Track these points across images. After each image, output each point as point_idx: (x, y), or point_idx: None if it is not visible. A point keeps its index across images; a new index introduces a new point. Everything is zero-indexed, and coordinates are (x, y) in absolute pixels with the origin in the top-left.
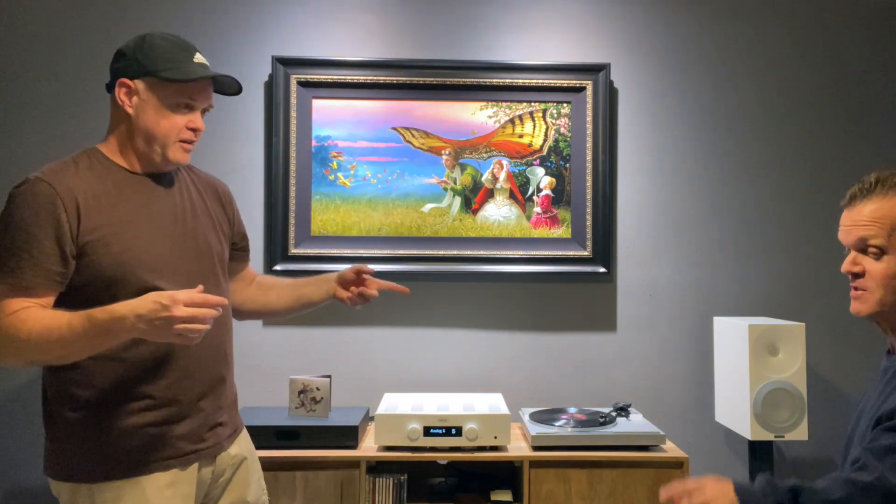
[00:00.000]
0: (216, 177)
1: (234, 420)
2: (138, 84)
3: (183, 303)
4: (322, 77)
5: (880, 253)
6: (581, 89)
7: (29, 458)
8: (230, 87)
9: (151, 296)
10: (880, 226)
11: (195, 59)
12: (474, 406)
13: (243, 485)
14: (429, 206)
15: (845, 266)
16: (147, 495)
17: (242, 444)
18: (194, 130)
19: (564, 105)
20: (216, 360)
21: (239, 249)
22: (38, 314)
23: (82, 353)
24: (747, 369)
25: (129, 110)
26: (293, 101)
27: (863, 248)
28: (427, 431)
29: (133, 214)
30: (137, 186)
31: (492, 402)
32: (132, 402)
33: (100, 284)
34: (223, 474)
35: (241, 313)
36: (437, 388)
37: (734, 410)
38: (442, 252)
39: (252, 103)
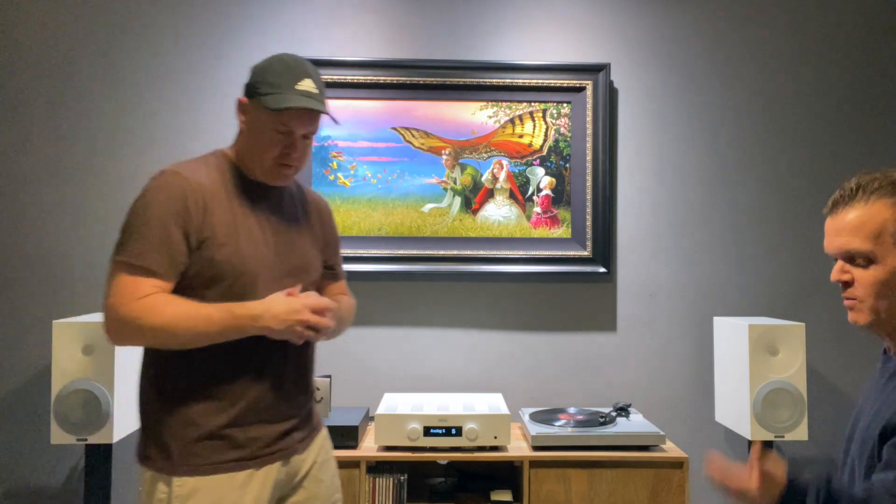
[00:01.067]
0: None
1: (310, 423)
2: (249, 104)
3: (310, 308)
4: (322, 77)
5: (868, 261)
6: (581, 89)
7: (29, 458)
8: (332, 117)
9: (283, 300)
10: (865, 233)
11: (297, 86)
12: (474, 406)
13: (316, 483)
14: (429, 206)
15: (834, 275)
16: (221, 493)
17: (318, 443)
18: (290, 154)
19: (564, 105)
20: (298, 367)
21: (328, 268)
22: (173, 300)
23: (205, 343)
24: (747, 369)
25: (242, 126)
26: None
27: (849, 257)
28: (427, 431)
29: (245, 219)
30: (253, 193)
31: (492, 402)
32: (214, 401)
33: (203, 278)
34: (297, 474)
35: None
36: (437, 388)
37: (734, 410)
38: (442, 252)
39: None
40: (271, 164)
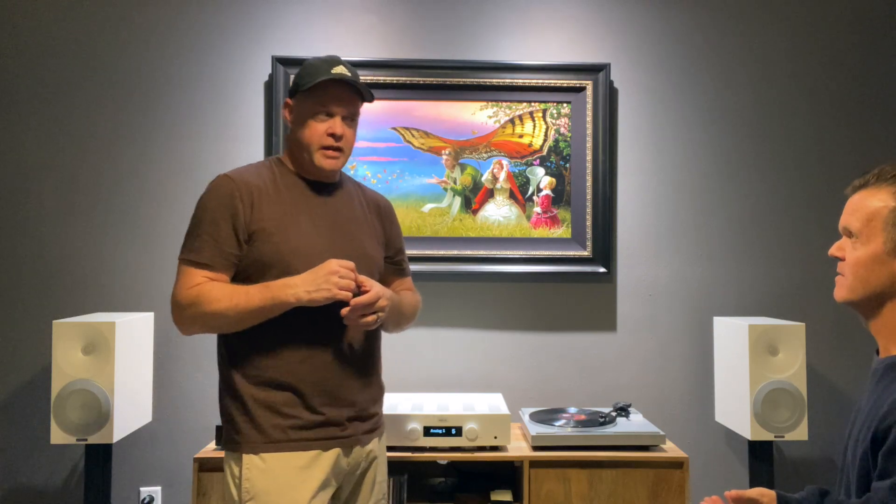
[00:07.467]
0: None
1: (376, 417)
2: (292, 101)
3: (338, 264)
4: None
5: (856, 240)
6: (581, 89)
7: (29, 458)
8: (368, 95)
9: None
10: (860, 214)
11: (333, 70)
12: (474, 406)
13: (371, 484)
14: (429, 206)
15: (831, 249)
16: (287, 472)
17: (378, 443)
18: (334, 136)
19: (564, 105)
20: (362, 355)
21: (392, 263)
22: (219, 285)
23: (254, 320)
24: (747, 369)
25: (289, 125)
26: None
27: (848, 234)
28: (427, 431)
29: (296, 212)
30: (304, 190)
31: (492, 402)
32: (281, 384)
33: (259, 268)
34: (358, 467)
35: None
36: (437, 388)
37: (734, 410)
38: (442, 252)
39: (252, 103)
40: (318, 149)
